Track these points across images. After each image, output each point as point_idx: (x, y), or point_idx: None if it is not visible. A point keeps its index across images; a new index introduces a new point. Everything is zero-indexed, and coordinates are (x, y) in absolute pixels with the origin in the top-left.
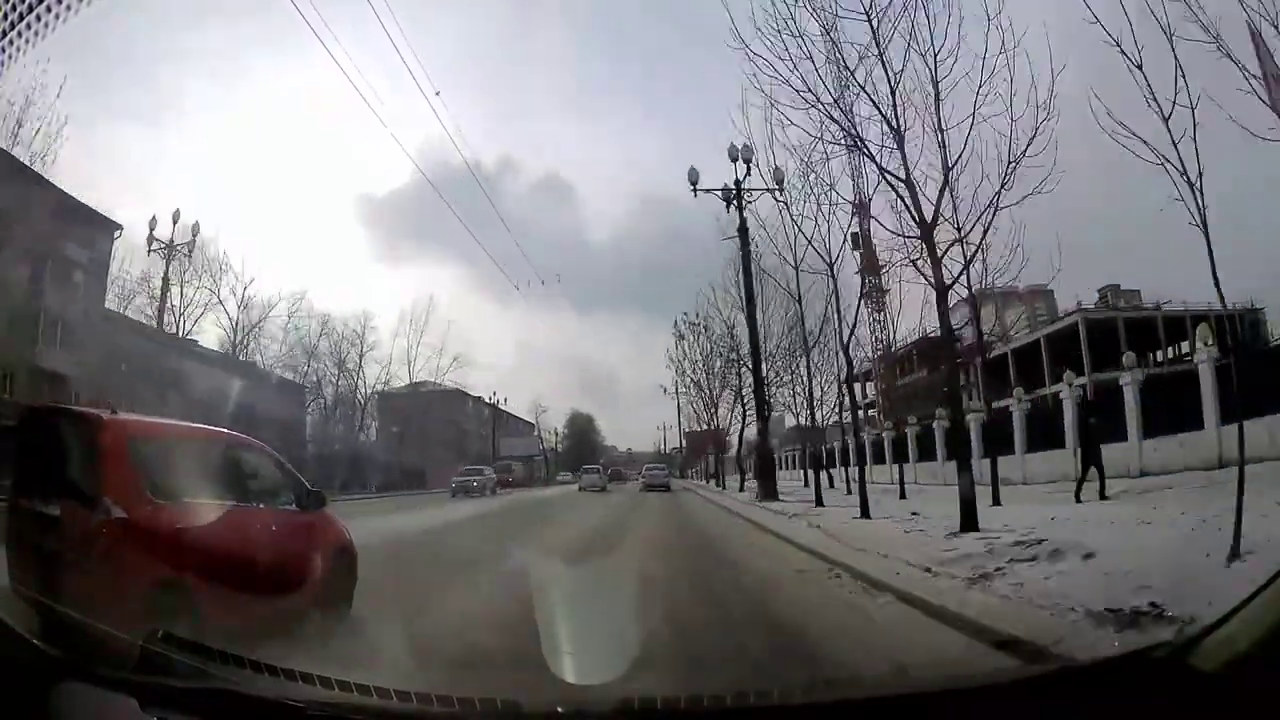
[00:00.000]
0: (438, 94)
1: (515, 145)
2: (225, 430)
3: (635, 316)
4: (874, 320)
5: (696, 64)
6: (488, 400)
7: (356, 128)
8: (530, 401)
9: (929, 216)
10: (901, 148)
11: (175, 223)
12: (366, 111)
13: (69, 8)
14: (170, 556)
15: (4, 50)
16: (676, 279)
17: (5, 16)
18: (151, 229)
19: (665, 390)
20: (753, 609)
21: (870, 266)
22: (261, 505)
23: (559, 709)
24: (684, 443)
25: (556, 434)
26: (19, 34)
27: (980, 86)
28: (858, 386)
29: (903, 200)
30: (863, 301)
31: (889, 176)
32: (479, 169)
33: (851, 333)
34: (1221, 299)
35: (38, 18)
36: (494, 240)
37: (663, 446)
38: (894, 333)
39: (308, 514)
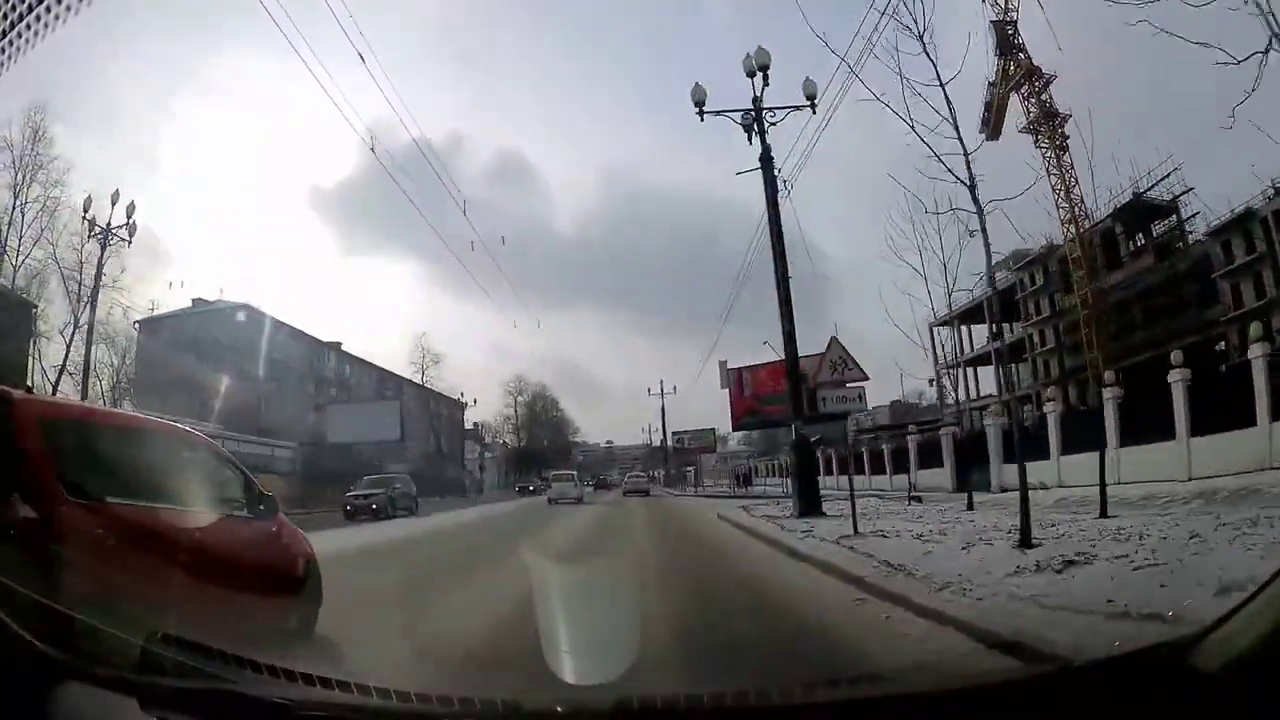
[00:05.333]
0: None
1: (477, 132)
2: (166, 421)
3: (609, 311)
4: (1052, 170)
5: (677, 57)
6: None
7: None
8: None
9: None
10: None
11: None
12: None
13: (69, 8)
14: (91, 568)
15: (4, 50)
16: (651, 272)
17: (5, 16)
18: None
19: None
20: None
21: (1030, 75)
22: (205, 510)
23: (559, 709)
24: (742, 391)
25: (468, 401)
26: (19, 34)
27: None
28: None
29: None
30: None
31: None
32: (446, 166)
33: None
34: None
35: (37, 18)
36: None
37: (663, 431)
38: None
39: (259, 521)
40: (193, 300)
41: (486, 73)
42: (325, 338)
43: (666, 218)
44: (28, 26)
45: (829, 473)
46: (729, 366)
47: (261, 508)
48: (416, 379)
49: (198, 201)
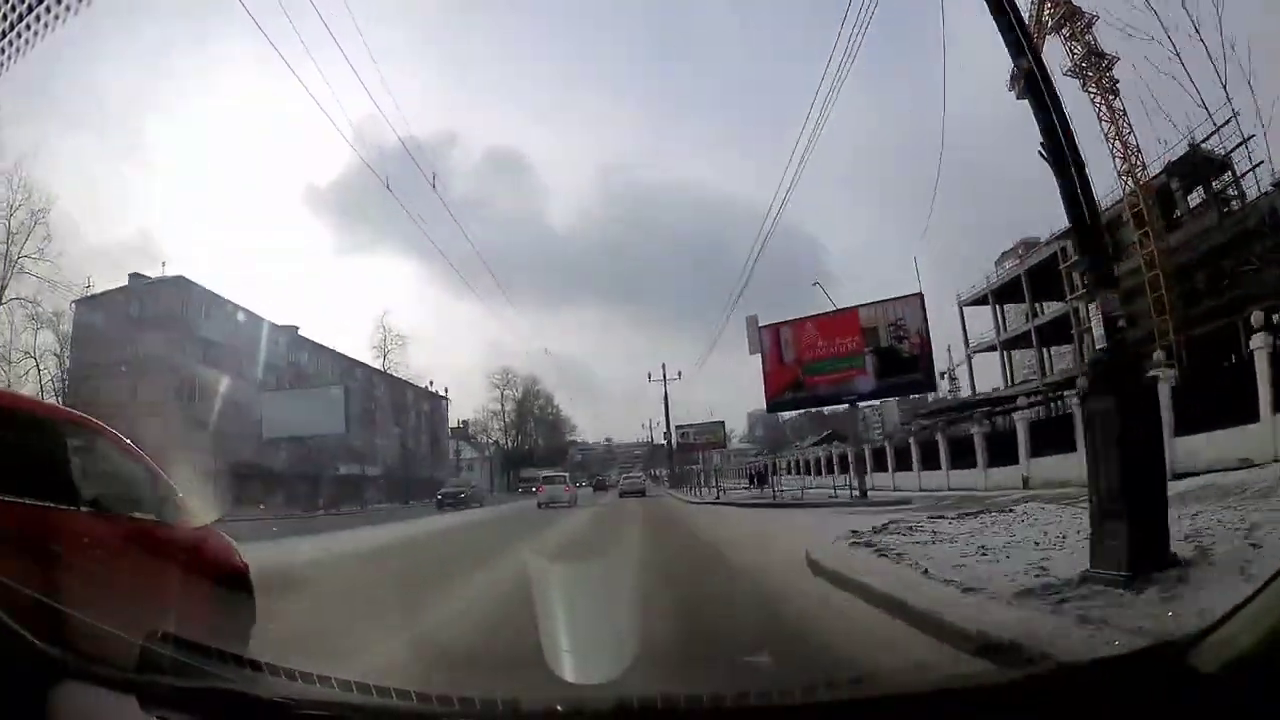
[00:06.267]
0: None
1: (476, 129)
2: (69, 410)
3: (606, 309)
4: (1103, 109)
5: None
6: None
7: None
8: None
9: None
10: None
11: None
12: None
13: (68, 8)
14: None
15: (4, 50)
16: (649, 272)
17: (5, 17)
18: None
19: None
20: None
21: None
22: (106, 512)
23: (558, 708)
24: (780, 357)
25: (441, 391)
26: (19, 34)
27: None
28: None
29: None
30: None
31: None
32: (432, 159)
33: None
34: None
35: (37, 18)
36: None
37: (666, 422)
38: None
39: (172, 528)
40: (130, 276)
41: (483, 69)
42: (285, 323)
43: (668, 213)
44: (27, 27)
45: (880, 468)
46: (760, 324)
47: (177, 512)
48: (398, 373)
49: (192, 198)
